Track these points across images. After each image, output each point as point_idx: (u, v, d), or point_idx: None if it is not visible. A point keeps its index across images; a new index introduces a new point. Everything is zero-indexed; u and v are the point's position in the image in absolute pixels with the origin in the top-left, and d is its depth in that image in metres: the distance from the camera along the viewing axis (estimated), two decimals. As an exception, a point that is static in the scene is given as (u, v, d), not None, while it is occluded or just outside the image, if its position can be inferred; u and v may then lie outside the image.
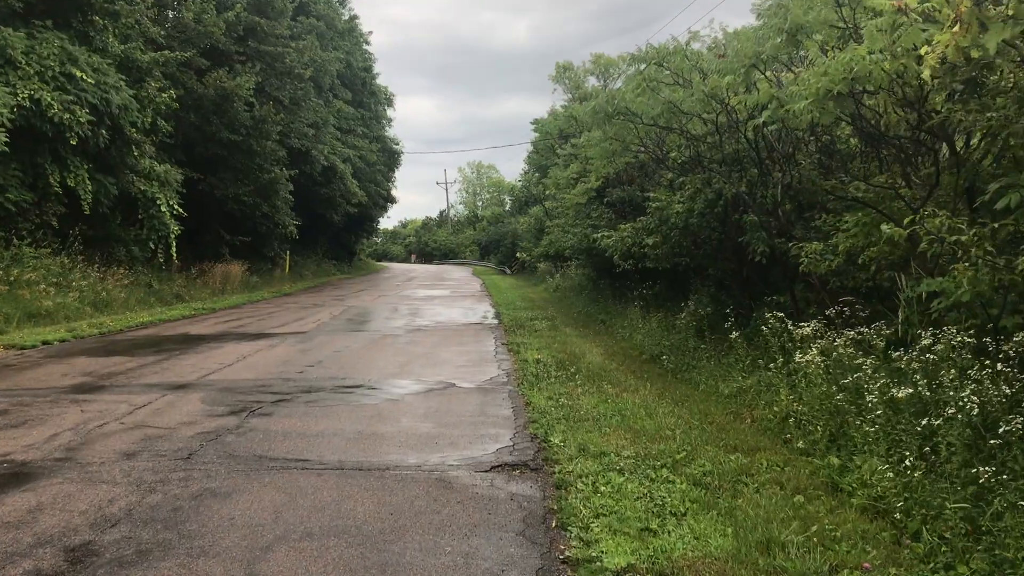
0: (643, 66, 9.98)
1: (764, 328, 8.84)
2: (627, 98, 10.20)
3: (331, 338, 15.86)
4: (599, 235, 12.94)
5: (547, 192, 26.56)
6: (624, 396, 9.35)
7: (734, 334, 9.12)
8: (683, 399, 9.13)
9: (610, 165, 14.23)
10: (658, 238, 11.35)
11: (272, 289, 33.43)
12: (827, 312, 7.91)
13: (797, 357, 7.22)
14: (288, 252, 40.66)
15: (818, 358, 7.00)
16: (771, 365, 7.96)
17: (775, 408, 7.59)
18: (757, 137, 9.59)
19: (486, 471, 6.45)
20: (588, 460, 6.62)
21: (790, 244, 8.49)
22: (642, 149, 11.74)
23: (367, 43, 57.61)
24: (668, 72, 10.39)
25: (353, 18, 55.73)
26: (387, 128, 62.52)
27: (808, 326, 7.74)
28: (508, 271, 56.26)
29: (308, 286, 37.84)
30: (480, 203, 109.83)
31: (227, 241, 32.67)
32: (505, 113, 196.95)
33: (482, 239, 76.62)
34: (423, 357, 13.16)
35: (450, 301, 27.73)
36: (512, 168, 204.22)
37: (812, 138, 9.69)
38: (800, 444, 6.76)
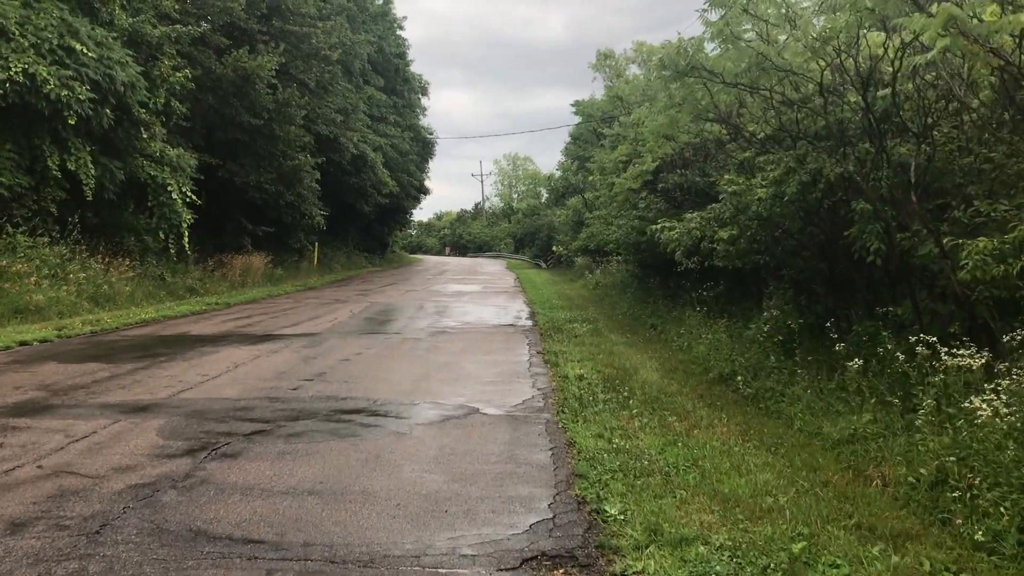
0: (724, 11, 7.85)
1: (889, 350, 6.66)
2: (704, 49, 8.06)
3: (343, 342, 13.92)
4: (658, 227, 10.79)
5: (590, 179, 24.29)
6: (696, 435, 7.23)
7: (854, 362, 6.93)
8: (775, 443, 6.98)
9: (667, 145, 12.07)
10: (734, 231, 9.19)
11: (297, 282, 31.71)
12: (1006, 336, 5.73)
13: (977, 404, 5.02)
14: (316, 243, 38.91)
15: (1003, 408, 4.84)
16: (920, 411, 5.78)
17: (921, 470, 5.42)
18: (871, 99, 7.41)
19: (514, 568, 4.40)
20: (664, 552, 4.54)
21: (944, 240, 6.24)
22: (716, 118, 9.56)
23: (401, 28, 55.65)
24: (750, 25, 8.24)
25: (387, 1, 53.80)
26: (421, 117, 60.61)
27: (975, 355, 5.56)
28: (543, 265, 54.15)
29: (335, 279, 36.11)
30: (515, 195, 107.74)
31: (249, 231, 30.95)
32: (542, 107, 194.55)
33: (517, 232, 74.50)
34: (444, 369, 11.15)
35: (481, 298, 25.72)
36: (548, 161, 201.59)
37: (942, 102, 7.48)
38: (979, 535, 4.59)
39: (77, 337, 14.49)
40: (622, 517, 5.12)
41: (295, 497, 5.49)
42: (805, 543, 4.59)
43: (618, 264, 25.53)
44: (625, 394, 9.01)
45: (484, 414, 8.23)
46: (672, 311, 15.83)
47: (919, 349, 6.10)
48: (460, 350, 13.06)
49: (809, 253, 9.87)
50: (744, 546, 4.60)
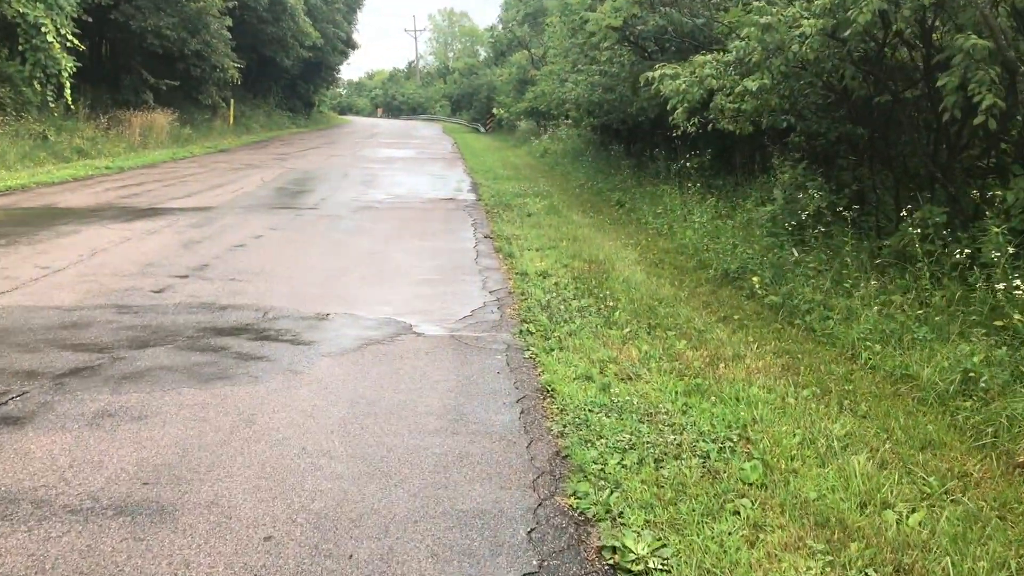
0: None
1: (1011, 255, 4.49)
2: None
3: (243, 219, 11.29)
4: (656, 74, 8.25)
5: (546, 23, 21.02)
6: (724, 374, 5.02)
7: (992, 279, 4.65)
8: (847, 393, 4.80)
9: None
10: (764, 80, 6.77)
11: (207, 144, 28.25)
12: None
13: None
14: (231, 101, 35.03)
15: None
16: None
17: None
18: None
19: None
20: None
21: None
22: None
23: None
24: None
25: None
26: (348, -39, 55.11)
27: None
28: (482, 129, 50.83)
29: (252, 141, 32.65)
30: (451, 54, 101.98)
31: (151, 85, 27.16)
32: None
33: (453, 93, 70.13)
34: (368, 260, 8.73)
35: (415, 165, 22.96)
36: (487, 19, 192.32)
37: None
38: None
39: (-91, 210, 11.56)
40: (660, 570, 2.92)
41: (89, 521, 3.14)
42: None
43: (569, 129, 22.86)
44: (608, 302, 6.75)
45: (419, 335, 5.89)
46: (642, 185, 13.47)
47: None
48: (389, 233, 10.57)
49: (843, 113, 7.55)
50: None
